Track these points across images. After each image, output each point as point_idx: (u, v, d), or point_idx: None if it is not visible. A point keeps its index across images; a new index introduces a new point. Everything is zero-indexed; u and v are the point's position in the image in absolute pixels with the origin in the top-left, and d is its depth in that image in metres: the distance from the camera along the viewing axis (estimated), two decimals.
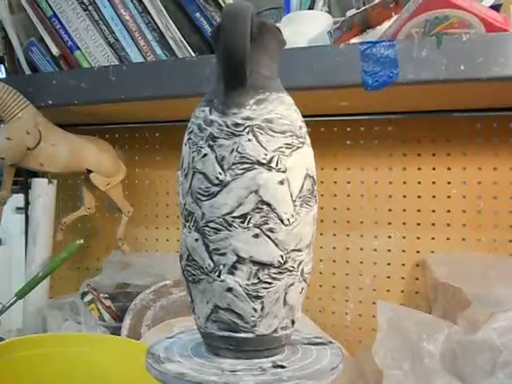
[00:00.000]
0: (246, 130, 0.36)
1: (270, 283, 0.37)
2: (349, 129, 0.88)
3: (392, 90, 0.64)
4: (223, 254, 0.37)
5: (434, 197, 0.83)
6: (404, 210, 0.85)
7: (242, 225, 0.36)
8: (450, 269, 0.74)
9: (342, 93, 0.69)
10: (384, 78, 0.62)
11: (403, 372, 0.59)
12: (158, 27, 0.75)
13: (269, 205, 0.36)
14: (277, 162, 0.36)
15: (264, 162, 0.36)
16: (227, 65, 0.36)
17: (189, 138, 0.39)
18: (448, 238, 0.82)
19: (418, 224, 0.84)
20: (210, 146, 0.37)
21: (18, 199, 1.03)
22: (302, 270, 0.39)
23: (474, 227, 0.81)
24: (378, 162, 0.86)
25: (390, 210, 0.85)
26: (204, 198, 0.37)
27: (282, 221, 0.37)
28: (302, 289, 0.39)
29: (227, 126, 0.37)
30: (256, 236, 0.36)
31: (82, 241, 0.82)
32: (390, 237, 0.85)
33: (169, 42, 0.76)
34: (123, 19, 0.76)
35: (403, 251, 0.85)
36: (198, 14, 0.74)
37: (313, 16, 0.75)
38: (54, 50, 0.81)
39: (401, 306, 0.70)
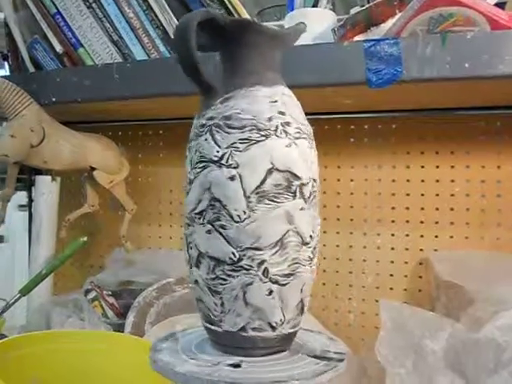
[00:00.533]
0: (206, 129, 0.38)
1: (225, 279, 0.37)
2: (352, 127, 0.88)
3: (396, 88, 0.63)
4: (191, 248, 0.39)
5: (437, 195, 0.83)
6: (407, 208, 0.84)
7: (199, 221, 0.38)
8: (454, 267, 0.73)
9: (346, 90, 0.69)
10: (388, 75, 0.61)
11: (406, 370, 0.59)
12: (162, 24, 0.75)
13: (220, 201, 0.37)
14: (227, 159, 0.36)
15: (215, 159, 0.37)
16: (186, 72, 0.38)
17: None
18: (451, 236, 0.82)
19: (422, 222, 0.84)
20: (188, 148, 0.40)
21: (20, 197, 1.03)
22: (266, 270, 0.37)
23: (477, 225, 0.81)
24: (382, 160, 0.86)
25: (393, 208, 0.85)
26: (185, 197, 0.40)
27: (231, 217, 0.36)
28: (271, 291, 0.37)
29: (196, 128, 0.39)
30: (209, 232, 0.37)
31: (85, 238, 0.83)
32: (393, 235, 0.85)
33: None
34: (127, 16, 0.76)
35: (406, 249, 0.85)
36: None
37: (317, 13, 0.75)
38: (58, 48, 0.81)
39: (404, 304, 0.70)
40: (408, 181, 0.84)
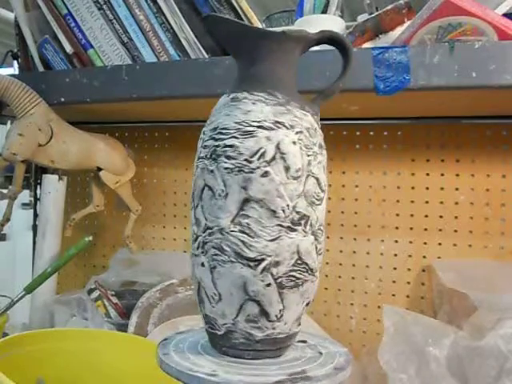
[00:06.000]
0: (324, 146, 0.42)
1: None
2: (358, 133, 0.88)
3: (403, 96, 0.64)
4: (321, 254, 0.41)
5: (441, 203, 0.83)
6: (411, 215, 0.85)
7: (324, 228, 0.42)
8: (457, 275, 0.74)
9: (353, 97, 0.69)
10: (396, 83, 0.62)
11: (408, 376, 0.59)
12: (172, 28, 0.76)
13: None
14: None
15: None
16: (341, 83, 0.44)
17: (299, 139, 0.38)
18: (455, 244, 0.82)
19: (425, 229, 0.84)
20: (322, 154, 0.40)
21: (23, 195, 1.04)
22: None
23: (481, 234, 0.81)
24: (387, 167, 0.86)
25: (397, 214, 0.86)
26: (318, 203, 0.39)
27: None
28: None
29: (323, 138, 0.41)
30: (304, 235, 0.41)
31: (90, 238, 0.83)
32: (396, 241, 0.86)
33: (182, 43, 0.76)
34: (137, 19, 0.77)
35: (409, 256, 0.85)
36: None
37: (326, 20, 0.76)
38: (68, 48, 0.82)
39: (407, 311, 0.70)
40: (413, 188, 0.85)
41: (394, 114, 0.84)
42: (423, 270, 0.84)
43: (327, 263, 0.89)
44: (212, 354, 0.40)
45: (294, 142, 0.37)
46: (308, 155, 0.38)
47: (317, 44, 0.42)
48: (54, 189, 0.88)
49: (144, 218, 0.99)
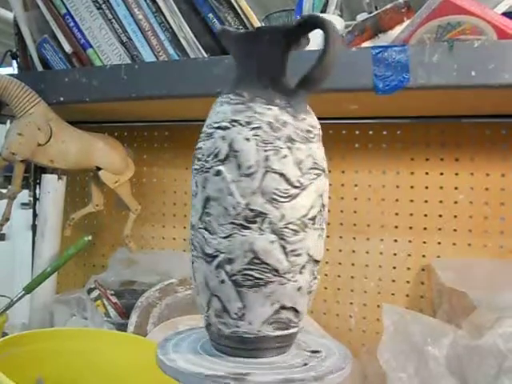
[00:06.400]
0: (316, 137, 0.39)
1: (316, 278, 0.41)
2: (357, 132, 0.88)
3: (402, 95, 0.64)
4: (299, 255, 0.38)
5: (441, 202, 0.83)
6: (411, 215, 0.85)
7: (313, 226, 0.38)
8: (456, 274, 0.74)
9: (353, 96, 0.69)
10: (395, 82, 0.62)
11: (408, 375, 0.60)
12: (171, 27, 0.76)
13: (324, 207, 0.40)
14: (327, 170, 0.41)
15: (325, 168, 0.40)
16: (321, 71, 0.38)
17: (256, 134, 0.37)
18: (454, 244, 0.82)
19: (425, 228, 0.84)
20: (289, 148, 0.37)
21: (22, 195, 1.04)
22: None
23: (480, 233, 0.81)
24: (386, 166, 0.86)
25: (396, 213, 0.86)
26: (283, 200, 0.37)
27: (325, 221, 0.41)
28: None
29: (301, 131, 0.38)
30: (319, 236, 0.40)
31: (90, 237, 0.83)
32: (396, 240, 0.86)
33: (181, 42, 0.76)
34: (136, 18, 0.77)
35: (409, 255, 0.85)
36: (211, 15, 0.74)
37: None
38: (67, 48, 0.81)
39: (406, 310, 0.70)
40: (412, 187, 0.85)
41: (394, 113, 0.84)
42: (422, 269, 0.84)
43: (327, 262, 0.89)
44: (211, 353, 0.40)
45: (248, 139, 0.37)
46: (265, 150, 0.36)
47: (300, 33, 0.39)
48: (53, 188, 0.88)
49: (143, 217, 0.99)
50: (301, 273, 0.38)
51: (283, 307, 0.38)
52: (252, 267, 0.37)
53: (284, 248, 0.37)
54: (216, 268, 0.38)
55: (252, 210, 0.36)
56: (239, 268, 0.37)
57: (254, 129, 0.37)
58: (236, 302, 0.38)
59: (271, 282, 0.37)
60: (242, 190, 0.37)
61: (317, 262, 0.40)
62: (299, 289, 0.38)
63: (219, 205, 0.37)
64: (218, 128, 0.38)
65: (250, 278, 0.37)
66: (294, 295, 0.38)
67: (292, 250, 0.37)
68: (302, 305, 0.39)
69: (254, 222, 0.36)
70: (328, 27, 0.37)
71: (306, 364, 0.38)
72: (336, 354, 0.41)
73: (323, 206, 0.40)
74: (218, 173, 0.37)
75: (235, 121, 0.37)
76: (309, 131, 0.38)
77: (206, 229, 0.38)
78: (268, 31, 0.40)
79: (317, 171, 0.39)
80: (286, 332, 0.39)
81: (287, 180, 0.37)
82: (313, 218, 0.38)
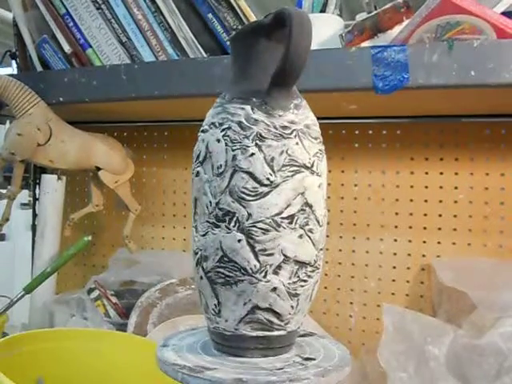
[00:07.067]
0: (294, 133, 0.38)
1: (306, 281, 0.39)
2: (357, 132, 0.88)
3: (402, 94, 0.64)
4: (271, 255, 0.37)
5: (440, 201, 0.83)
6: (411, 214, 0.85)
7: (289, 225, 0.37)
8: (456, 273, 0.74)
9: (352, 96, 0.69)
10: (394, 82, 0.62)
11: (408, 374, 0.60)
12: (171, 27, 0.76)
13: (311, 206, 0.38)
14: (317, 167, 0.39)
15: (309, 165, 0.38)
16: (287, 66, 0.36)
17: (225, 135, 0.37)
18: (454, 243, 0.82)
19: (425, 228, 0.84)
20: (258, 146, 0.37)
21: (22, 195, 1.04)
22: (321, 268, 0.41)
23: (480, 232, 0.81)
24: (386, 166, 0.86)
25: (396, 213, 0.86)
26: (251, 198, 0.36)
27: (318, 222, 0.39)
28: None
29: (275, 128, 0.37)
30: (300, 236, 0.38)
31: (90, 237, 0.83)
32: (396, 240, 0.86)
33: (181, 42, 0.76)
34: (136, 18, 0.77)
35: (409, 255, 0.85)
36: (210, 15, 0.74)
37: (324, 19, 0.76)
38: (66, 48, 0.82)
39: (406, 309, 0.70)
40: (412, 187, 0.85)
41: (393, 113, 0.84)
42: (422, 269, 0.84)
43: (326, 262, 0.89)
44: (211, 353, 0.40)
45: (219, 140, 0.37)
46: (233, 150, 0.37)
47: (274, 28, 0.38)
48: (52, 188, 0.88)
49: (143, 217, 0.99)
50: (276, 273, 0.37)
51: (257, 307, 0.37)
52: (222, 265, 0.37)
53: (253, 247, 0.37)
54: (196, 265, 0.40)
55: (221, 209, 0.37)
56: (212, 265, 0.38)
57: (224, 129, 0.37)
58: (212, 298, 0.39)
59: (241, 280, 0.37)
60: (213, 190, 0.38)
61: (303, 263, 0.38)
62: (274, 289, 0.37)
63: (201, 204, 0.39)
64: (202, 131, 0.40)
65: (222, 275, 0.38)
66: (269, 296, 0.37)
67: (262, 250, 0.37)
68: (284, 307, 0.38)
69: (223, 221, 0.37)
70: (292, 21, 0.35)
71: (281, 369, 0.37)
72: (324, 367, 0.38)
73: (308, 204, 0.38)
74: (198, 174, 0.39)
75: (212, 123, 0.39)
76: (285, 127, 0.37)
77: (194, 227, 0.40)
78: (242, 30, 0.40)
79: (294, 168, 0.37)
80: (267, 334, 0.38)
81: (255, 178, 0.36)
82: (289, 217, 0.37)
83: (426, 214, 0.84)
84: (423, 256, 0.84)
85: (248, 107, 0.37)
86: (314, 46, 0.72)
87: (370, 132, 0.87)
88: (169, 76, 0.73)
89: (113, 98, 0.77)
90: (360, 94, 0.67)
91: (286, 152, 0.37)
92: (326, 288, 0.89)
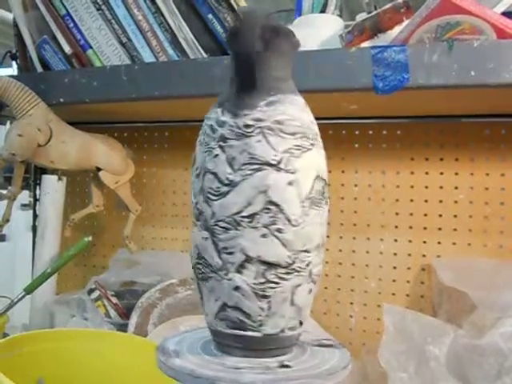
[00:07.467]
0: (256, 131, 0.37)
1: (277, 283, 0.37)
2: (357, 132, 0.88)
3: (402, 95, 0.64)
4: (231, 253, 0.37)
5: (441, 201, 0.83)
6: (411, 214, 0.85)
7: (250, 224, 0.37)
8: (456, 274, 0.74)
9: (352, 96, 0.69)
10: (395, 82, 0.62)
11: (408, 375, 0.60)
12: (171, 28, 0.76)
13: (277, 205, 0.37)
14: (286, 163, 0.37)
15: (273, 162, 0.37)
16: (239, 67, 0.38)
17: (201, 139, 0.40)
18: (454, 243, 0.82)
19: (425, 228, 0.84)
20: (221, 147, 0.37)
21: (22, 196, 1.04)
22: (311, 271, 0.39)
23: (480, 233, 0.81)
24: (386, 166, 0.86)
25: (396, 213, 0.86)
26: (214, 198, 0.37)
27: (289, 221, 0.37)
28: (311, 290, 0.40)
29: (238, 127, 0.37)
30: (264, 236, 0.37)
31: (90, 238, 0.83)
32: (396, 240, 0.86)
33: (181, 43, 0.76)
34: (136, 19, 0.77)
35: (409, 255, 0.85)
36: (210, 16, 0.74)
37: (324, 19, 0.76)
38: (67, 49, 0.82)
39: (407, 310, 0.70)
40: (412, 187, 0.85)
41: (393, 113, 0.84)
42: (423, 269, 0.84)
43: (327, 262, 0.89)
44: (211, 354, 0.40)
45: (200, 144, 0.40)
46: (204, 152, 0.39)
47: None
48: (53, 189, 0.88)
49: (143, 218, 0.99)
50: (239, 272, 0.37)
51: (226, 305, 0.38)
52: (199, 261, 0.40)
53: (216, 245, 0.38)
54: (190, 261, 0.42)
55: (198, 209, 0.39)
56: (194, 261, 0.41)
57: (201, 134, 0.40)
58: (198, 292, 0.41)
59: (210, 277, 0.39)
60: (194, 191, 0.40)
61: (271, 264, 0.37)
62: (237, 289, 0.37)
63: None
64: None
65: (199, 271, 0.40)
66: (233, 295, 0.37)
67: (224, 248, 0.37)
68: (251, 308, 0.37)
69: (199, 220, 0.39)
70: (230, 33, 0.38)
71: (237, 368, 0.37)
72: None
73: (273, 203, 0.37)
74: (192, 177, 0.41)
75: (201, 129, 0.41)
76: (248, 126, 0.37)
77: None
78: (229, 32, 0.40)
79: (254, 166, 0.36)
80: (241, 333, 0.38)
81: (219, 179, 0.37)
82: (250, 216, 0.37)
83: (426, 214, 0.84)
84: (423, 256, 0.84)
85: (219, 110, 0.39)
86: (313, 47, 0.72)
87: (370, 132, 0.88)
88: (169, 77, 0.73)
89: (113, 98, 0.77)
90: (360, 94, 0.67)
91: (246, 151, 0.37)
92: (326, 288, 0.89)
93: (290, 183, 0.37)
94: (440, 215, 0.83)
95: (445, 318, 0.73)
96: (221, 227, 0.37)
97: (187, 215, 0.99)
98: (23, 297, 0.80)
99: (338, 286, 0.89)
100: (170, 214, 1.01)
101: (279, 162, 0.37)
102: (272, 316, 0.38)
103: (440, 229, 0.83)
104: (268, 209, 0.37)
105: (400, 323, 0.63)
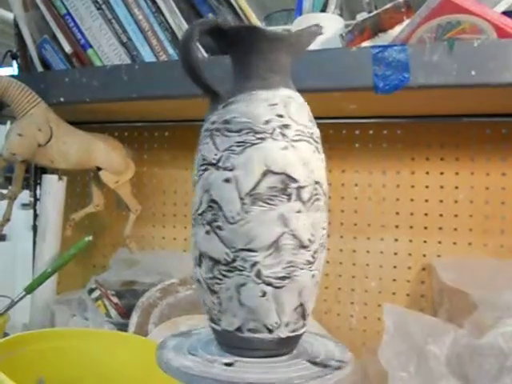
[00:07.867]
0: (208, 133, 0.39)
1: (220, 279, 0.38)
2: (357, 132, 0.88)
3: (402, 94, 0.64)
4: (193, 248, 0.41)
5: (441, 201, 0.83)
6: (411, 214, 0.85)
7: (200, 222, 0.39)
8: (457, 273, 0.74)
9: (353, 96, 0.69)
10: (395, 81, 0.62)
11: (409, 374, 0.60)
12: (171, 27, 0.76)
13: (216, 203, 0.38)
14: (224, 161, 0.37)
15: (214, 162, 0.38)
16: (192, 77, 0.40)
17: None
18: (455, 243, 0.82)
19: (425, 228, 0.84)
20: (197, 152, 0.41)
21: (23, 195, 1.04)
22: (259, 271, 0.37)
23: (480, 232, 0.81)
24: (386, 166, 0.86)
25: (397, 213, 0.86)
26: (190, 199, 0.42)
27: (226, 218, 0.37)
28: (264, 293, 0.37)
29: (202, 132, 0.40)
30: (207, 233, 0.38)
31: (91, 237, 0.83)
32: (396, 240, 0.86)
33: None
34: (136, 18, 0.77)
35: (409, 255, 0.85)
36: (210, 15, 0.74)
37: (325, 19, 0.76)
38: (67, 48, 0.82)
39: (407, 309, 0.70)
40: (412, 187, 0.85)
41: (394, 113, 0.84)
42: (423, 269, 0.84)
43: (327, 262, 0.88)
44: (212, 353, 0.40)
45: None
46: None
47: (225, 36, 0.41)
48: (53, 189, 0.88)
49: (144, 217, 0.99)
50: (199, 266, 0.39)
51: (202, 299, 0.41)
52: None
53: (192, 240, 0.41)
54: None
55: None
56: None
57: None
58: None
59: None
60: None
61: (215, 260, 0.38)
62: (198, 281, 0.40)
63: None
64: None
65: None
66: (197, 286, 0.41)
67: (192, 243, 0.41)
68: (207, 300, 0.39)
69: None
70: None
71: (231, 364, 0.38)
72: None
73: (213, 201, 0.37)
74: None
75: None
76: (206, 130, 0.40)
77: None
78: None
79: (204, 167, 0.39)
80: (212, 324, 0.40)
81: (192, 180, 0.41)
82: (201, 214, 0.39)
83: (426, 214, 0.84)
84: (424, 256, 0.84)
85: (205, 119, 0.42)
86: (314, 46, 0.72)
87: (371, 132, 0.87)
88: (169, 76, 0.73)
89: (113, 98, 0.77)
90: (360, 93, 0.67)
91: (201, 152, 0.40)
92: (326, 288, 0.89)
93: (227, 180, 0.37)
94: (440, 215, 0.83)
95: (445, 317, 0.73)
96: (192, 224, 0.41)
97: (187, 215, 0.99)
98: (23, 296, 0.79)
99: (338, 286, 0.89)
100: (171, 214, 1.01)
101: (218, 161, 0.38)
102: (224, 313, 0.39)
103: (440, 228, 0.83)
104: (211, 207, 0.38)
105: (400, 323, 0.63)
